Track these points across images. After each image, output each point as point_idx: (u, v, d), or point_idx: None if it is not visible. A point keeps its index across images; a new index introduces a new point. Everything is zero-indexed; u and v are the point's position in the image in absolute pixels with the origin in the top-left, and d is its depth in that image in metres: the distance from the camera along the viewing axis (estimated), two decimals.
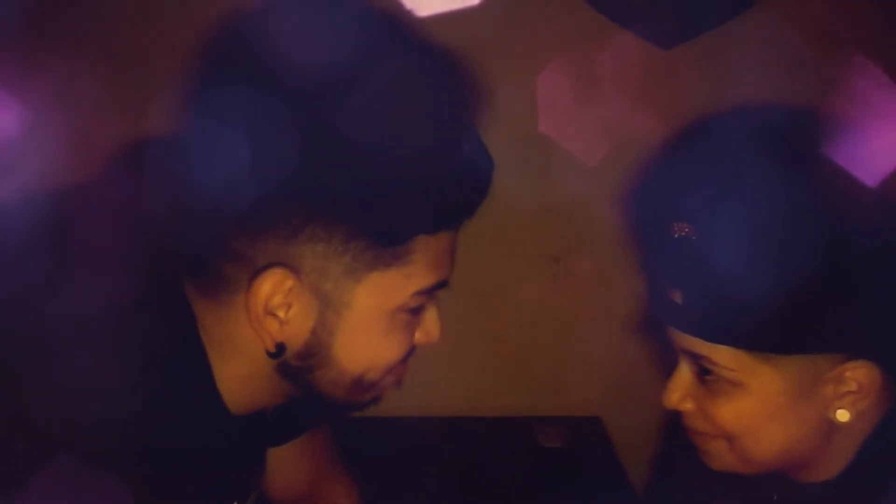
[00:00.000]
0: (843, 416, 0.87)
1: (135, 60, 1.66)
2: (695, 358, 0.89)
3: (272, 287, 0.81)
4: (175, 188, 0.83)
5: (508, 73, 1.67)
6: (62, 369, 0.77)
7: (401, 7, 1.46)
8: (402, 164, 0.79)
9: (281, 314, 0.83)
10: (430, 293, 0.87)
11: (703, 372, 0.89)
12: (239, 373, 0.87)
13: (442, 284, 0.88)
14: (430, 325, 0.90)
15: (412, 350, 0.90)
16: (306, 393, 0.90)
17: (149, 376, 0.80)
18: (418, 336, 0.90)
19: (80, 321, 0.80)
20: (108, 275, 0.82)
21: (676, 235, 0.88)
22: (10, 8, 1.52)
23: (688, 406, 0.92)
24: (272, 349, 0.84)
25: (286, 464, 1.12)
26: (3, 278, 0.83)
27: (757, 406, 0.87)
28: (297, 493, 1.18)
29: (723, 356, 0.86)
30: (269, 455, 1.06)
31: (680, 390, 0.92)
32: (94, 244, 0.85)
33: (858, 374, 0.86)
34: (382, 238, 0.82)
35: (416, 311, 0.88)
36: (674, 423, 0.97)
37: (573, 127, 1.73)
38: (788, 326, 0.83)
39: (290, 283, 0.81)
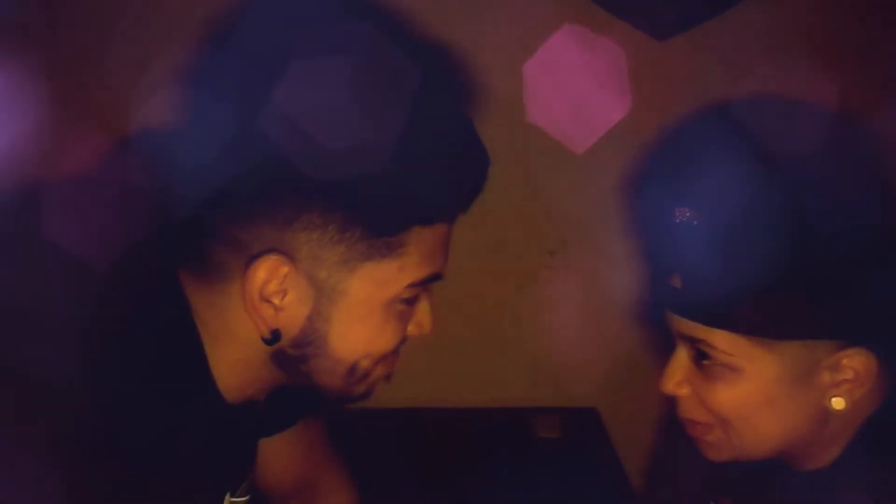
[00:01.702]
0: (838, 403, 0.87)
1: (132, 50, 1.65)
2: (693, 342, 0.89)
3: (267, 273, 0.81)
4: (170, 175, 0.82)
5: (506, 65, 1.67)
6: (58, 357, 0.77)
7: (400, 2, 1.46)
8: (398, 156, 0.79)
9: (276, 301, 0.83)
10: (423, 285, 0.87)
11: (701, 357, 0.89)
12: (233, 359, 0.87)
13: (436, 277, 0.88)
14: (422, 318, 0.90)
15: (403, 340, 0.90)
16: (301, 383, 0.90)
17: (144, 364, 0.80)
18: (411, 328, 0.90)
19: (74, 309, 0.80)
20: (101, 263, 0.82)
21: (677, 220, 0.88)
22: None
23: (684, 391, 0.92)
24: (267, 335, 0.84)
25: (278, 454, 1.12)
26: None
27: (753, 392, 0.87)
28: (289, 484, 1.18)
29: (721, 341, 0.87)
30: (262, 445, 1.06)
31: (677, 375, 0.92)
32: (89, 234, 0.85)
33: (855, 362, 0.86)
34: (377, 228, 0.82)
35: (410, 302, 0.88)
36: (671, 415, 0.97)
37: (569, 119, 1.73)
38: (787, 312, 0.84)
39: (285, 269, 0.81)
